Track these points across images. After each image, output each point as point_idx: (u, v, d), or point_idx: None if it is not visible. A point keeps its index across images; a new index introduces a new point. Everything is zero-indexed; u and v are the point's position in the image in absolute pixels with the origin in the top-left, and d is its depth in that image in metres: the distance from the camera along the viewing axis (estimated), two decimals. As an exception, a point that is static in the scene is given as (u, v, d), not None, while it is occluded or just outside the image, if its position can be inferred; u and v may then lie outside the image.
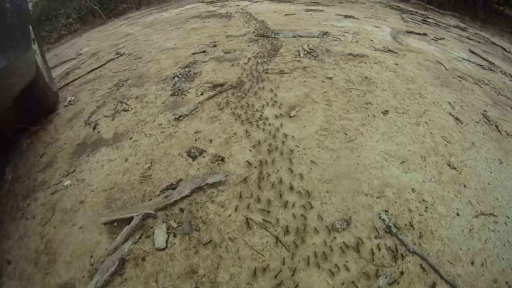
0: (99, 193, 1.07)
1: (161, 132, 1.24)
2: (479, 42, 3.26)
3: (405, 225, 0.89)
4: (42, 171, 1.27)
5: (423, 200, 0.98)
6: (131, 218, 0.90)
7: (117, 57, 2.45)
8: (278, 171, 1.02)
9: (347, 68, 1.68)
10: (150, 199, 0.97)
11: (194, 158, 1.06)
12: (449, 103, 1.54)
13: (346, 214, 0.90)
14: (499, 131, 1.48)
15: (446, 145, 1.23)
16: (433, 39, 2.74)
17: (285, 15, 2.99)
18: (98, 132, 1.42)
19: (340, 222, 0.87)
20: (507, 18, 4.36)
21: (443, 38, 2.88)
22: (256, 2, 3.70)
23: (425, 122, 1.33)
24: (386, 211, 0.92)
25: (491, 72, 2.28)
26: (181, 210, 0.90)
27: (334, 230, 0.86)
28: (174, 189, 0.95)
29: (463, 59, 2.35)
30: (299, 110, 1.29)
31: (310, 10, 3.24)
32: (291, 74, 1.57)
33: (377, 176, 1.03)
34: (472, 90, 1.81)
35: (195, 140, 1.15)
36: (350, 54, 1.90)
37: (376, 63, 1.82)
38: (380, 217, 0.90)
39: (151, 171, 1.07)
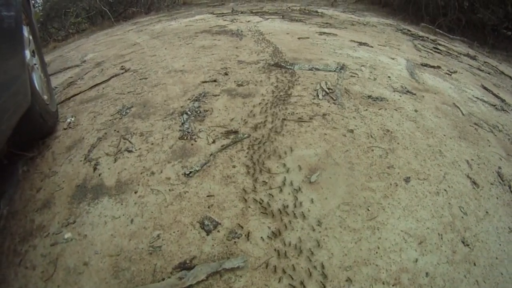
0: (104, 257, 0.99)
1: (170, 190, 1.15)
2: (489, 73, 3.27)
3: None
4: (40, 212, 1.19)
5: (435, 284, 0.96)
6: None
7: (122, 73, 2.34)
8: (298, 255, 0.95)
9: (368, 117, 1.61)
10: (163, 279, 0.89)
11: (208, 232, 0.98)
12: (467, 161, 1.50)
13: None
14: (511, 191, 1.46)
15: (462, 217, 1.21)
16: (447, 73, 2.72)
17: (299, 38, 2.90)
18: (99, 175, 1.32)
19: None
20: (514, 44, 4.38)
21: (456, 72, 2.85)
22: (268, 19, 3.59)
23: (444, 190, 1.29)
24: None
25: (504, 113, 2.29)
26: (195, 299, 0.82)
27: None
28: (188, 269, 0.87)
29: (478, 98, 2.34)
30: (320, 174, 1.20)
31: (324, 33, 3.16)
32: (310, 123, 1.49)
33: (395, 261, 0.99)
34: (487, 140, 1.78)
35: (208, 207, 1.07)
36: (369, 97, 1.83)
37: (396, 110, 1.75)
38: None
39: (160, 241, 0.98)
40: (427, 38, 3.96)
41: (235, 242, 0.97)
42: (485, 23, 4.04)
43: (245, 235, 0.99)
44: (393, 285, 0.92)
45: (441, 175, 1.33)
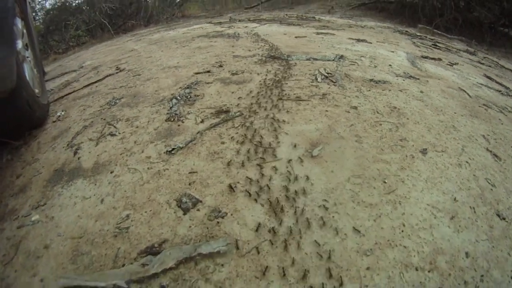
0: (66, 240, 0.85)
1: (148, 168, 1.01)
2: (490, 66, 3.17)
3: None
4: (15, 196, 1.10)
5: (478, 266, 0.77)
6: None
7: (116, 73, 2.30)
8: (300, 237, 0.77)
9: (371, 96, 1.48)
10: (123, 265, 0.72)
11: (186, 210, 0.82)
12: (483, 136, 1.35)
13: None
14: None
15: (491, 189, 1.03)
16: (448, 64, 2.62)
17: (296, 37, 2.86)
18: (78, 158, 1.21)
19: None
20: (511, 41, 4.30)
21: (457, 63, 2.75)
22: (265, 24, 3.62)
23: (466, 162, 1.12)
24: None
25: (510, 98, 2.14)
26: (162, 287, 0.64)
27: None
28: (155, 254, 0.70)
29: (482, 84, 2.22)
30: (323, 148, 1.05)
31: (321, 33, 3.13)
32: (309, 101, 1.36)
33: (427, 241, 0.80)
34: (499, 119, 1.64)
35: (189, 184, 0.91)
36: (371, 80, 1.71)
37: (400, 91, 1.62)
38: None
39: (129, 222, 0.83)
40: (425, 37, 3.91)
41: (218, 222, 0.79)
42: (482, 21, 3.99)
43: (231, 214, 0.82)
44: (429, 271, 0.73)
45: (459, 147, 1.16)
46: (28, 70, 1.57)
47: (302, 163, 0.98)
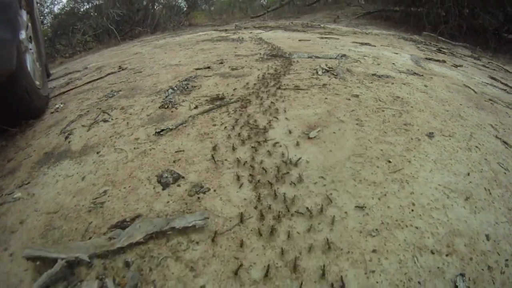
0: (41, 215, 0.81)
1: (135, 148, 0.96)
2: (494, 70, 3.10)
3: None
4: (3, 178, 1.09)
5: (502, 249, 0.68)
6: (56, 261, 0.58)
7: (118, 71, 2.33)
8: (292, 215, 0.69)
9: (374, 87, 1.42)
10: (90, 238, 0.65)
11: (165, 186, 0.75)
12: (491, 125, 1.27)
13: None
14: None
15: (505, 173, 0.94)
16: (453, 66, 2.56)
17: (299, 40, 2.87)
18: (69, 142, 1.19)
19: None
20: (516, 47, 4.21)
21: (461, 65, 2.69)
22: (270, 30, 3.67)
23: (476, 147, 1.04)
24: (462, 275, 0.59)
25: None
26: (127, 263, 0.57)
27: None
28: (124, 228, 0.63)
29: (487, 84, 2.14)
30: (321, 130, 0.99)
31: (325, 38, 3.13)
32: (308, 90, 1.31)
33: (441, 222, 0.71)
34: (506, 113, 1.55)
35: (174, 162, 0.86)
36: (374, 74, 1.65)
37: (404, 84, 1.55)
38: (456, 287, 0.57)
39: (105, 198, 0.77)
40: (430, 43, 3.88)
41: (198, 198, 0.72)
42: (486, 28, 3.94)
43: (214, 190, 0.75)
44: (447, 255, 0.64)
45: (468, 133, 1.07)
46: (30, 62, 1.61)
47: (297, 144, 0.92)
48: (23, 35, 1.52)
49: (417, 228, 0.68)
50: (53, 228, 0.70)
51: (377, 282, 0.57)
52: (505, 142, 1.10)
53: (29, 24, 1.74)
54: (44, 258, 0.58)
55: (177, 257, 0.59)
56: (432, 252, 0.63)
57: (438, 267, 0.60)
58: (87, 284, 0.54)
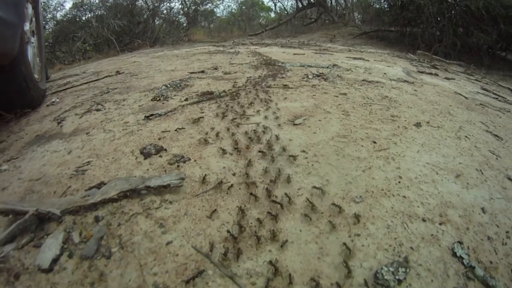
0: (24, 182, 0.82)
1: (123, 129, 0.99)
2: (487, 83, 3.22)
3: (491, 262, 0.55)
4: None
5: (500, 222, 0.69)
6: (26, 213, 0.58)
7: (115, 75, 2.40)
8: (271, 181, 0.70)
9: (363, 89, 1.48)
10: (65, 196, 0.66)
11: (147, 156, 0.77)
12: (482, 122, 1.31)
13: (398, 254, 0.55)
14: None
15: (497, 159, 0.96)
16: (445, 78, 2.67)
17: (294, 54, 3.00)
18: (61, 127, 1.22)
19: (391, 269, 0.51)
20: (509, 64, 4.39)
21: (454, 79, 2.80)
22: (266, 47, 3.84)
23: (466, 137, 1.08)
24: (460, 243, 0.59)
25: (506, 103, 2.12)
26: (96, 219, 0.57)
27: (383, 286, 0.49)
28: (100, 187, 0.64)
29: (478, 92, 2.22)
30: (307, 119, 1.02)
31: (319, 53, 3.28)
32: (297, 89, 1.37)
33: (431, 193, 0.72)
34: (497, 115, 1.60)
35: (159, 139, 0.88)
36: (364, 80, 1.73)
37: (394, 88, 1.62)
38: (454, 254, 0.57)
39: (88, 167, 0.78)
40: (424, 60, 4.06)
41: (178, 166, 0.74)
42: (480, 46, 4.11)
43: (195, 160, 0.76)
44: (440, 224, 0.65)
45: (457, 126, 1.12)
46: (31, 54, 1.65)
47: (281, 128, 0.95)
48: (27, 26, 1.57)
49: (405, 197, 0.69)
50: (32, 192, 0.71)
51: (363, 246, 0.56)
52: (496, 135, 1.14)
53: (33, 19, 1.80)
54: (17, 211, 0.58)
55: (148, 214, 0.59)
56: (424, 220, 0.64)
57: (431, 234, 0.61)
58: (52, 236, 0.54)
